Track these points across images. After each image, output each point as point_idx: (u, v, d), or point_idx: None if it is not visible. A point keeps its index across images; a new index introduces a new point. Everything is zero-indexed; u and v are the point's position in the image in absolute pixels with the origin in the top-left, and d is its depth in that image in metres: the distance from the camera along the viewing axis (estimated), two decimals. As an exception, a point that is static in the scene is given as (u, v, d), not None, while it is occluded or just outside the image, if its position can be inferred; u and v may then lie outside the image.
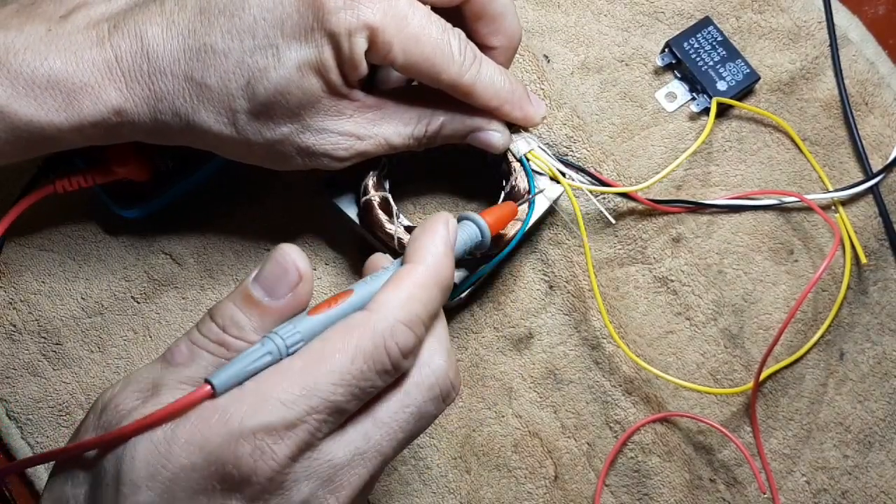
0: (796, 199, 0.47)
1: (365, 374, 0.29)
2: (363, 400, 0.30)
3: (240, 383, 0.30)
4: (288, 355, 0.30)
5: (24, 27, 0.37)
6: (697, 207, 0.47)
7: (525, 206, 0.42)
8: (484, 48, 0.41)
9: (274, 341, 0.30)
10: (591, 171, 0.45)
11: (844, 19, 0.50)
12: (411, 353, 0.31)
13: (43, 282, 0.46)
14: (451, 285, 0.33)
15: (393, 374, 0.31)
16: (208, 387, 0.29)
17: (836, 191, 0.47)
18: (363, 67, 0.37)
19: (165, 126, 0.38)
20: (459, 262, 0.43)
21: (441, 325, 0.33)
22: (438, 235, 0.33)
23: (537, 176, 0.43)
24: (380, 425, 0.31)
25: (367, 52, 0.37)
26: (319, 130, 0.38)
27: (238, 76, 0.37)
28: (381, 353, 0.30)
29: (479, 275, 0.42)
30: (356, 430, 0.30)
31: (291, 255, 0.32)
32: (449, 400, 0.33)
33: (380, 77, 0.44)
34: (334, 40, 0.36)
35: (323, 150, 0.39)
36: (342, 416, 0.30)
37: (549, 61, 0.50)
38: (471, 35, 0.40)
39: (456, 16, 0.40)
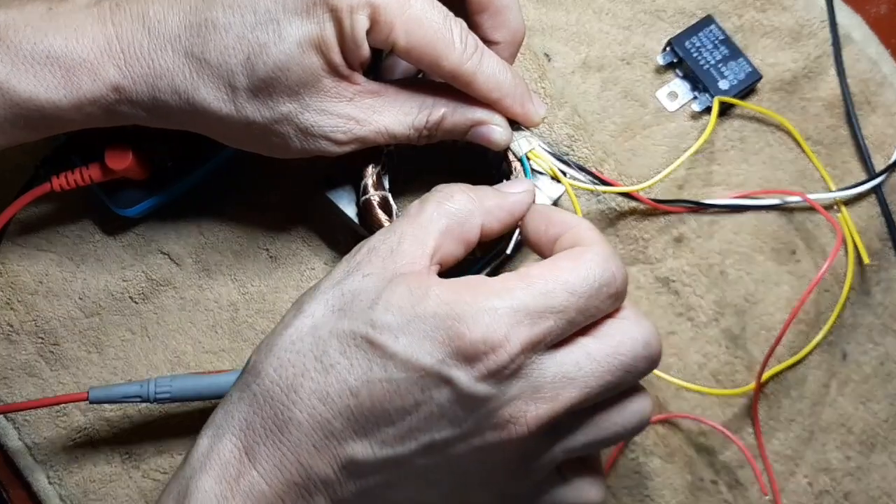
0: (799, 199, 0.46)
1: (595, 290, 0.32)
2: (585, 322, 0.32)
3: (109, 402, 0.40)
4: (154, 400, 0.39)
5: (24, 6, 0.38)
6: (699, 207, 0.47)
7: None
8: (487, 43, 0.40)
9: (148, 385, 0.39)
10: (593, 170, 0.44)
11: (847, 18, 0.50)
12: (624, 289, 0.33)
13: (40, 282, 0.46)
14: None
15: (614, 302, 0.33)
16: (86, 394, 0.39)
17: (839, 190, 0.47)
18: (364, 49, 0.37)
19: (165, 105, 0.38)
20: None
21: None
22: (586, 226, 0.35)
23: (538, 175, 0.43)
24: (592, 360, 0.32)
25: (369, 33, 0.36)
26: (319, 111, 0.38)
27: (238, 52, 0.37)
28: (608, 274, 0.32)
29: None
30: (570, 355, 0.32)
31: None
32: (656, 362, 0.34)
33: (383, 68, 0.44)
34: (336, 16, 0.36)
35: (322, 132, 0.39)
36: (570, 327, 0.32)
37: (549, 60, 0.49)
38: (473, 28, 0.40)
39: (458, 8, 0.39)
